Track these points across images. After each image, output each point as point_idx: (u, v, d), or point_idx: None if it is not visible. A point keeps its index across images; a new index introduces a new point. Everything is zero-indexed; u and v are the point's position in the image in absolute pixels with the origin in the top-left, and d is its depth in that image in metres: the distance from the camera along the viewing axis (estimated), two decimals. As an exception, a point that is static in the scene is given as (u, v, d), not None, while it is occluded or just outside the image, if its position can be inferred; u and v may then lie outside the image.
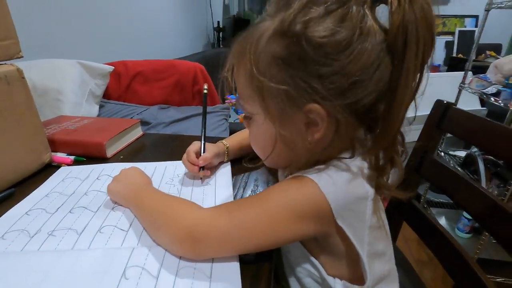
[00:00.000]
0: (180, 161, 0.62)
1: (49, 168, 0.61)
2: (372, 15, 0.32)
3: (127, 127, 0.72)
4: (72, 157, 0.64)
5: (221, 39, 3.10)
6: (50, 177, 0.58)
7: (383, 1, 0.32)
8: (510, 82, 1.36)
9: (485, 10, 1.47)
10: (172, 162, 0.63)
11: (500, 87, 1.42)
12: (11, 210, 0.47)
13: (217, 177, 0.58)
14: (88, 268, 0.36)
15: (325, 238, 0.38)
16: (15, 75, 0.53)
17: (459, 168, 1.54)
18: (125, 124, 0.73)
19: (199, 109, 1.26)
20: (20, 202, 0.49)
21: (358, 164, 0.36)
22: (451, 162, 1.66)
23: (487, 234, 1.36)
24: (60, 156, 0.64)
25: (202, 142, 0.57)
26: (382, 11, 0.33)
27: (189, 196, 0.52)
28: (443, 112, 0.70)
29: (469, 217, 1.51)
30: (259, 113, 0.38)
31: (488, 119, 0.60)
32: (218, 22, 3.05)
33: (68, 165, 0.62)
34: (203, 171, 0.55)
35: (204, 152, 0.56)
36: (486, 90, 1.46)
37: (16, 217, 0.46)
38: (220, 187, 0.54)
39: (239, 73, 0.38)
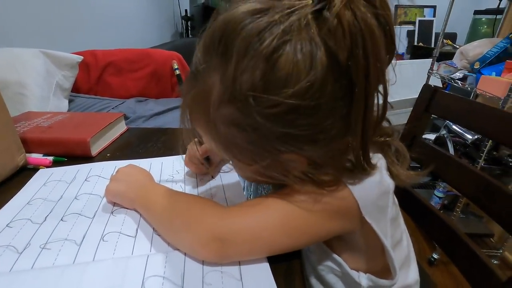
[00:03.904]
0: (177, 156, 0.58)
1: (25, 172, 0.53)
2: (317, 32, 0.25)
3: (111, 122, 0.65)
4: (51, 158, 0.56)
5: (189, 28, 2.97)
6: (28, 182, 0.50)
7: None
8: (475, 67, 1.44)
9: (451, -1, 1.53)
10: (168, 158, 0.58)
11: (466, 72, 1.51)
12: (-13, 223, 0.40)
13: (221, 173, 0.54)
14: (100, 283, 0.31)
15: (349, 234, 0.36)
16: (-23, 63, 0.45)
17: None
18: (108, 119, 0.65)
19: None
20: (-3, 213, 0.42)
21: (379, 157, 0.35)
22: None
23: (458, 210, 1.47)
24: (36, 157, 0.56)
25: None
26: None
27: (196, 194, 0.48)
28: (431, 96, 0.72)
29: (440, 195, 1.61)
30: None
31: (475, 101, 0.63)
32: (186, 10, 2.92)
33: (47, 167, 0.55)
34: (210, 167, 0.51)
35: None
36: (454, 75, 1.54)
37: (-4, 231, 0.39)
38: (227, 182, 0.51)
39: (200, 129, 0.33)
